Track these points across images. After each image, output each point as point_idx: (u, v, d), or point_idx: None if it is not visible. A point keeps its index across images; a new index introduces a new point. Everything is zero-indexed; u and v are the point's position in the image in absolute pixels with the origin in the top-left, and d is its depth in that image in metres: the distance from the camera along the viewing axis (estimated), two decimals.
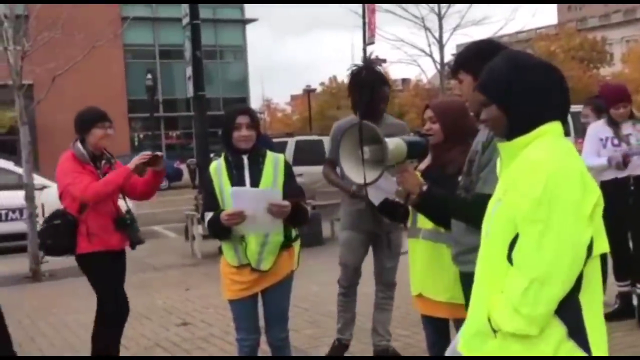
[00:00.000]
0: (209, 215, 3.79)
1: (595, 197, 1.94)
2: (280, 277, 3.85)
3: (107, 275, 4.47)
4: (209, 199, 3.84)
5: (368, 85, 4.57)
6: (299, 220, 3.84)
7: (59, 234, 4.41)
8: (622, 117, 5.39)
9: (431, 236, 3.26)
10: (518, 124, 2.05)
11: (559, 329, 1.92)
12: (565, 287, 1.89)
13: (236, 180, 3.75)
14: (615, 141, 5.39)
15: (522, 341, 1.92)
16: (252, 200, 3.65)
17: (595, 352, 1.94)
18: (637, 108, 5.67)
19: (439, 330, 3.45)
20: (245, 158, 3.78)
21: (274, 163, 3.83)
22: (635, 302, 5.52)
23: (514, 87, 2.04)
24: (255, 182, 3.75)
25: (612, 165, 5.33)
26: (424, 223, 3.25)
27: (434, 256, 3.25)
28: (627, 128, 5.41)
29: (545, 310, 1.88)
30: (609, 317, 5.47)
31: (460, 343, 2.11)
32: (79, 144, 4.46)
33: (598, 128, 5.55)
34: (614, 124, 5.42)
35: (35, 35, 9.80)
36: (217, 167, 3.84)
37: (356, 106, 4.72)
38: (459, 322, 3.23)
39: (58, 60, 9.95)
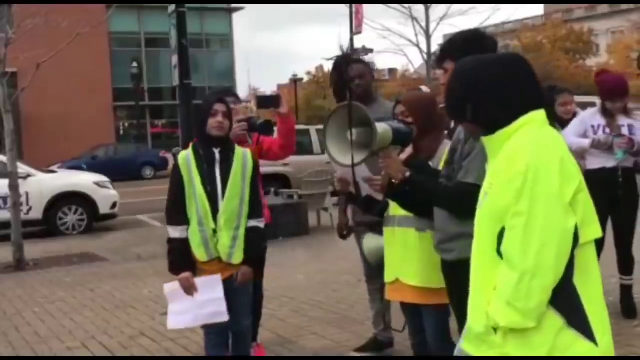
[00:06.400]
0: (175, 232, 3.74)
1: (575, 183, 1.94)
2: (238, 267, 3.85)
3: None
4: (176, 194, 3.75)
5: (337, 67, 4.45)
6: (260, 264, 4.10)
7: None
8: (618, 111, 5.35)
9: (404, 222, 3.29)
10: (492, 126, 2.07)
11: (555, 320, 1.93)
12: (555, 277, 1.90)
13: (206, 175, 3.71)
14: (607, 130, 5.31)
15: (521, 335, 1.93)
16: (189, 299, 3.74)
17: (599, 339, 1.95)
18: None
19: (417, 315, 3.44)
20: (217, 152, 3.74)
21: (242, 160, 3.81)
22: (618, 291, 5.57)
23: (472, 98, 2.08)
24: (224, 180, 3.73)
25: (601, 144, 5.22)
26: (396, 210, 3.29)
27: (407, 241, 3.28)
28: (621, 119, 5.34)
29: (539, 301, 1.89)
30: None
31: (464, 341, 2.10)
32: None
33: (591, 115, 5.49)
34: (609, 115, 5.35)
35: (19, 22, 9.69)
36: (187, 159, 3.76)
37: (335, 90, 4.46)
38: (426, 309, 3.25)
39: (42, 48, 9.85)
